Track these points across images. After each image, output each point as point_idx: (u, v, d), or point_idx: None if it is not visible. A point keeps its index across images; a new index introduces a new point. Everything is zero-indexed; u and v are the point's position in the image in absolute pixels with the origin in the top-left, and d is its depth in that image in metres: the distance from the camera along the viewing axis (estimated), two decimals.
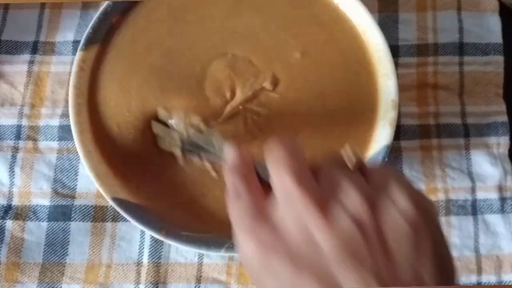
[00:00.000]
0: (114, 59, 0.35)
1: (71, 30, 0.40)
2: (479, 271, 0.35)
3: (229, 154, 0.24)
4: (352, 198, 0.20)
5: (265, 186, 0.23)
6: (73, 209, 0.36)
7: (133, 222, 0.31)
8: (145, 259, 0.35)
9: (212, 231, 0.32)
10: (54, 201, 0.37)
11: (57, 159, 0.37)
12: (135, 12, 0.35)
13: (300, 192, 0.20)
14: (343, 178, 0.21)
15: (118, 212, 0.31)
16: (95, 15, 0.34)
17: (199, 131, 0.31)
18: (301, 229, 0.19)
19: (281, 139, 0.22)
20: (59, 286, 0.35)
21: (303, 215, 0.19)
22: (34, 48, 0.40)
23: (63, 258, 0.36)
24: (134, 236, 0.36)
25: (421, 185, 0.37)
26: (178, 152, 0.32)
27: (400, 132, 0.38)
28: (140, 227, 0.31)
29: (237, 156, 0.24)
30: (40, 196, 0.37)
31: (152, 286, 0.35)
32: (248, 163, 0.23)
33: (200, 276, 0.35)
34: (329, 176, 0.21)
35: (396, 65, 0.39)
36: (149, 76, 0.34)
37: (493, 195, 0.37)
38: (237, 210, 0.22)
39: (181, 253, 0.36)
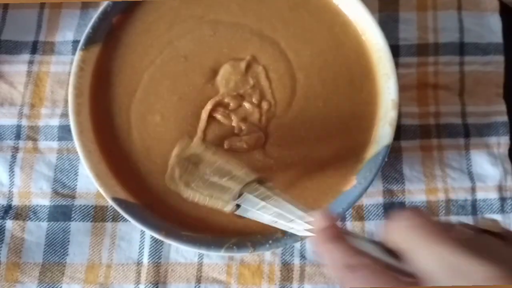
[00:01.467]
0: (114, 59, 0.34)
1: (71, 30, 0.40)
2: None
3: (318, 225, 0.23)
4: None
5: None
6: (73, 209, 0.36)
7: (133, 222, 0.31)
8: (145, 259, 0.35)
9: (212, 231, 0.32)
10: (54, 201, 0.37)
11: (57, 159, 0.37)
12: (135, 11, 0.35)
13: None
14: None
15: (118, 212, 0.31)
16: (95, 15, 0.34)
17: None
18: None
19: (411, 216, 0.21)
20: (59, 286, 0.35)
21: None
22: (34, 48, 0.40)
23: (63, 258, 0.36)
24: (134, 236, 0.36)
25: (421, 185, 0.37)
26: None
27: (400, 132, 0.38)
28: (140, 227, 0.31)
29: (330, 231, 0.23)
30: (40, 196, 0.37)
31: (152, 286, 0.35)
32: (340, 235, 0.22)
33: (200, 276, 0.35)
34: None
35: (396, 65, 0.38)
36: (149, 75, 0.34)
37: (493, 195, 0.37)
38: (360, 281, 0.21)
39: (181, 253, 0.36)
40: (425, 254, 0.20)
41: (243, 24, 0.35)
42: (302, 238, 0.31)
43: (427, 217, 0.21)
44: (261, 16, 0.35)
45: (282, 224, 0.26)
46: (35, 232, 0.36)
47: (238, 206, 0.27)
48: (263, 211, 0.26)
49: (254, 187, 0.27)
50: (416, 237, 0.20)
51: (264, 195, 0.26)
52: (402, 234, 0.21)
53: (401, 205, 0.37)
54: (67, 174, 0.37)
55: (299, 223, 0.25)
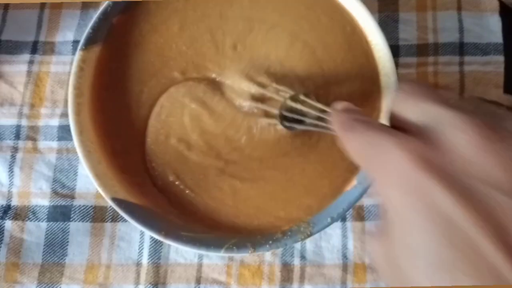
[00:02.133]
0: (116, 59, 0.34)
1: (71, 30, 0.40)
2: None
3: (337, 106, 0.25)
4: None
5: None
6: (72, 209, 0.36)
7: (132, 223, 0.31)
8: (145, 260, 0.35)
9: (212, 231, 0.32)
10: (53, 201, 0.36)
11: (56, 159, 0.37)
12: (136, 11, 0.35)
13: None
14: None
15: (118, 213, 0.31)
16: (95, 15, 0.34)
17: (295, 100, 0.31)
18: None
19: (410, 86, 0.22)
20: (59, 287, 0.35)
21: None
22: (34, 48, 0.40)
23: (62, 258, 0.35)
24: (134, 236, 0.36)
25: None
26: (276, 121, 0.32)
27: None
28: (139, 227, 0.31)
29: (345, 106, 0.25)
30: (40, 196, 0.37)
31: (151, 286, 0.35)
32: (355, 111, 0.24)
33: (200, 277, 0.35)
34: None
35: (396, 65, 0.39)
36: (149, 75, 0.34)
37: None
38: (354, 136, 0.22)
39: (181, 253, 0.36)
40: (411, 109, 0.21)
41: (276, 23, 0.35)
42: (302, 239, 0.31)
43: (421, 84, 0.22)
44: (283, 13, 0.35)
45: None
46: (35, 232, 0.36)
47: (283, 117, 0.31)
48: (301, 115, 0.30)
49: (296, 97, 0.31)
50: (406, 99, 0.21)
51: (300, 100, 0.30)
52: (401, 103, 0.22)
53: None
54: (66, 174, 0.37)
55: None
